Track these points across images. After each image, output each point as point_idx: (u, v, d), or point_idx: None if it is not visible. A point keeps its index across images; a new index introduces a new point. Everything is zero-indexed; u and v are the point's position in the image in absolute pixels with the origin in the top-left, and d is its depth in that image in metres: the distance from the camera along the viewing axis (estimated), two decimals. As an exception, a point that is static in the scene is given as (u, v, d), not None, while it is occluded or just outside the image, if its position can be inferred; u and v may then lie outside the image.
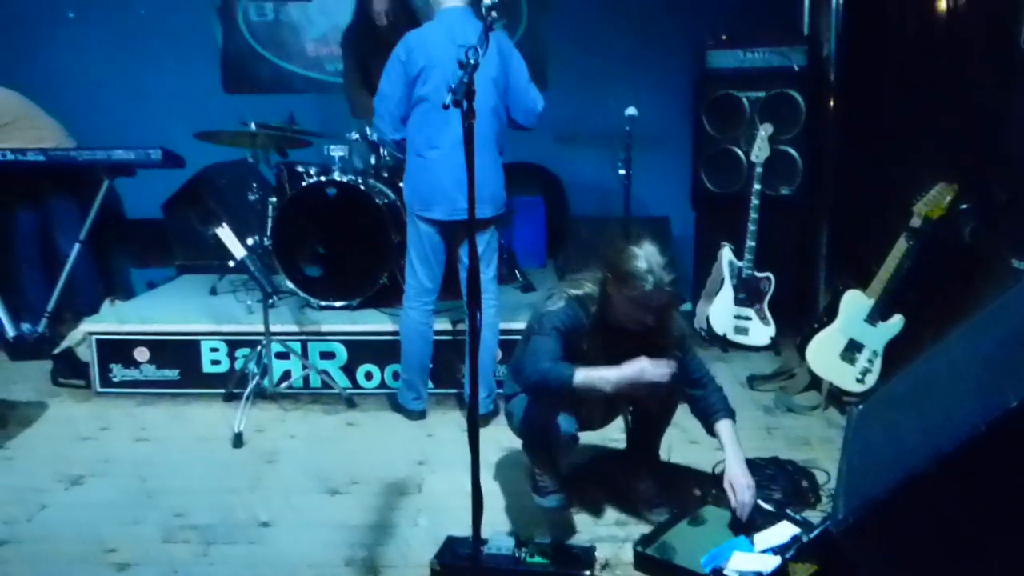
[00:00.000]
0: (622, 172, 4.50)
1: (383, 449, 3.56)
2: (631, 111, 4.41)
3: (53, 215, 5.11)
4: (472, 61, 2.04)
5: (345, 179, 4.32)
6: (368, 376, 4.18)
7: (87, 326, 4.27)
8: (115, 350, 4.20)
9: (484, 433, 2.82)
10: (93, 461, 3.43)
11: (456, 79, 2.03)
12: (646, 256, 2.52)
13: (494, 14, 2.24)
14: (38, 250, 5.05)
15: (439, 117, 3.41)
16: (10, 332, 4.82)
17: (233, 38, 5.90)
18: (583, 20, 5.70)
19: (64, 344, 4.42)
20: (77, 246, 4.91)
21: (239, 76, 5.94)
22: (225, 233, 3.81)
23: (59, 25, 5.81)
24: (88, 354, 4.26)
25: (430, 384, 3.94)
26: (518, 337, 3.01)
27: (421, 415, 3.86)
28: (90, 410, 4.05)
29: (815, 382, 3.92)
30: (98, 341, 4.20)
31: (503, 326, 3.84)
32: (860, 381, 3.68)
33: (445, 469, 3.30)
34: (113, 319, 4.35)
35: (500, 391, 3.64)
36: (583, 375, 2.53)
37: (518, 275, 4.95)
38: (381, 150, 4.55)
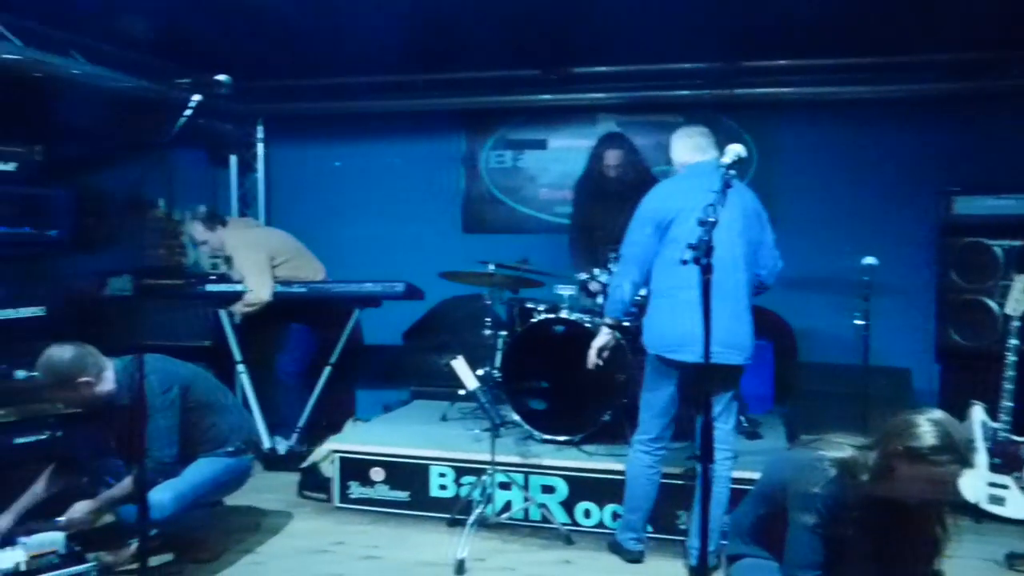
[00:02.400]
0: (859, 321, 4.34)
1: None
2: (870, 260, 4.29)
3: (304, 340, 5.66)
4: (712, 219, 2.11)
5: (573, 317, 4.48)
6: (587, 514, 4.18)
7: (332, 444, 4.63)
8: (355, 468, 4.51)
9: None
10: (328, 574, 3.66)
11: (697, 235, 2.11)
12: (944, 431, 2.35)
13: (732, 172, 2.33)
14: (294, 370, 5.57)
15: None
16: (266, 444, 5.32)
17: (474, 183, 6.44)
18: (814, 164, 5.70)
19: (310, 459, 4.81)
20: (328, 368, 5.41)
21: (477, 218, 6.43)
22: (459, 365, 4.05)
23: (325, 173, 6.62)
24: (331, 470, 4.60)
25: (648, 527, 3.88)
26: (743, 488, 2.91)
27: (639, 557, 3.79)
28: (329, 524, 4.33)
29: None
30: (341, 458, 4.53)
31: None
32: None
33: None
34: (355, 439, 4.70)
35: (723, 542, 3.52)
36: None
37: (743, 421, 4.81)
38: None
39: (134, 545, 3.68)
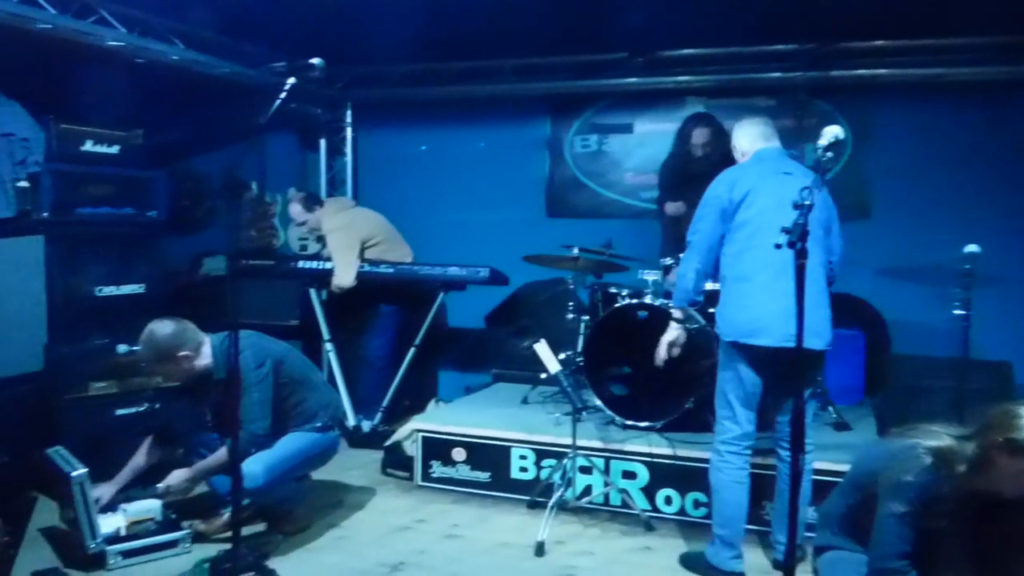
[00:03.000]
0: (958, 312, 4.16)
1: (680, 580, 3.49)
2: (972, 248, 4.10)
3: (393, 322, 5.75)
4: (807, 202, 2.06)
5: (657, 303, 4.44)
6: (668, 501, 4.15)
7: (415, 423, 4.71)
8: (437, 448, 4.57)
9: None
10: (411, 551, 3.73)
11: (786, 219, 2.05)
12: None
13: (829, 154, 2.25)
14: (383, 353, 5.68)
15: (763, 241, 3.34)
16: (351, 422, 5.44)
17: (559, 168, 6.41)
18: (911, 148, 5.48)
19: (394, 438, 4.90)
20: (413, 350, 5.49)
21: (561, 202, 6.41)
22: (542, 348, 4.04)
23: (412, 158, 6.70)
24: (413, 449, 4.68)
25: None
26: (830, 480, 2.83)
27: None
28: (411, 502, 4.41)
29: None
30: (424, 438, 4.60)
31: (815, 465, 3.64)
32: None
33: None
34: (437, 419, 4.76)
35: (809, 534, 3.44)
36: None
37: (832, 411, 4.68)
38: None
39: (226, 514, 3.83)
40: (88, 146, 4.60)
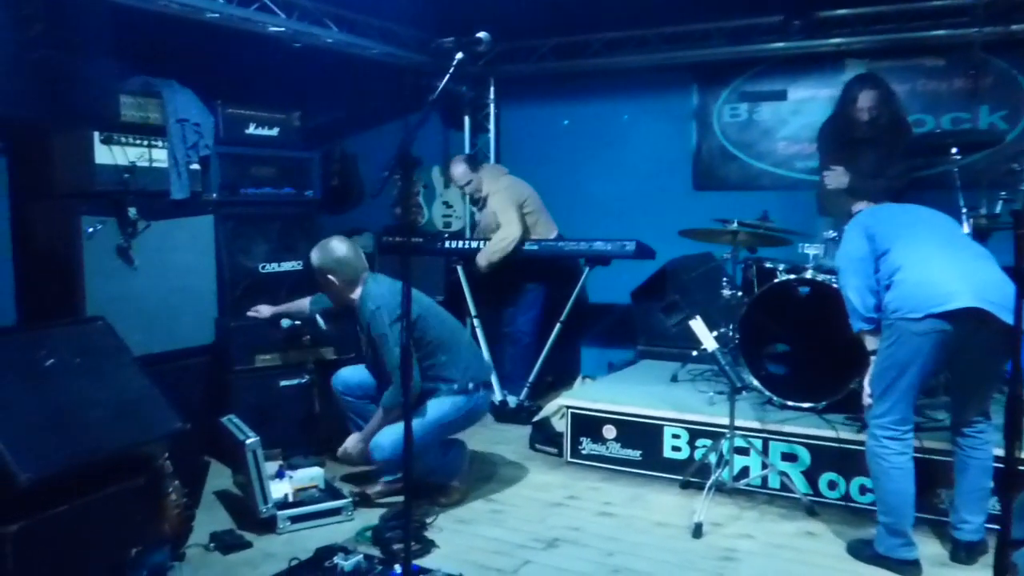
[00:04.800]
0: None
1: (849, 570, 3.32)
2: None
3: (539, 299, 5.76)
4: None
5: (819, 278, 4.23)
6: (831, 485, 3.97)
7: (564, 400, 4.70)
8: (586, 425, 4.55)
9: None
10: (565, 527, 3.73)
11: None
12: None
13: None
14: (529, 330, 5.70)
15: (908, 219, 3.26)
16: (497, 397, 5.50)
17: (706, 138, 6.21)
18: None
19: (542, 414, 4.92)
20: (558, 326, 5.48)
21: (709, 174, 6.21)
22: (698, 325, 3.92)
23: (554, 132, 6.65)
24: (562, 425, 4.67)
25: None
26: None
27: (915, 568, 3.24)
28: (561, 478, 4.41)
29: None
30: (573, 414, 4.58)
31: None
32: None
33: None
34: (587, 396, 4.72)
35: (991, 526, 3.23)
36: None
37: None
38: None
39: (385, 481, 3.96)
40: (251, 129, 4.81)
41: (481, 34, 2.42)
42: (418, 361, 3.77)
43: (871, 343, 3.38)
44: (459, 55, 2.40)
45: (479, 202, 5.74)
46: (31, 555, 2.42)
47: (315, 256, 3.96)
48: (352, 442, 3.96)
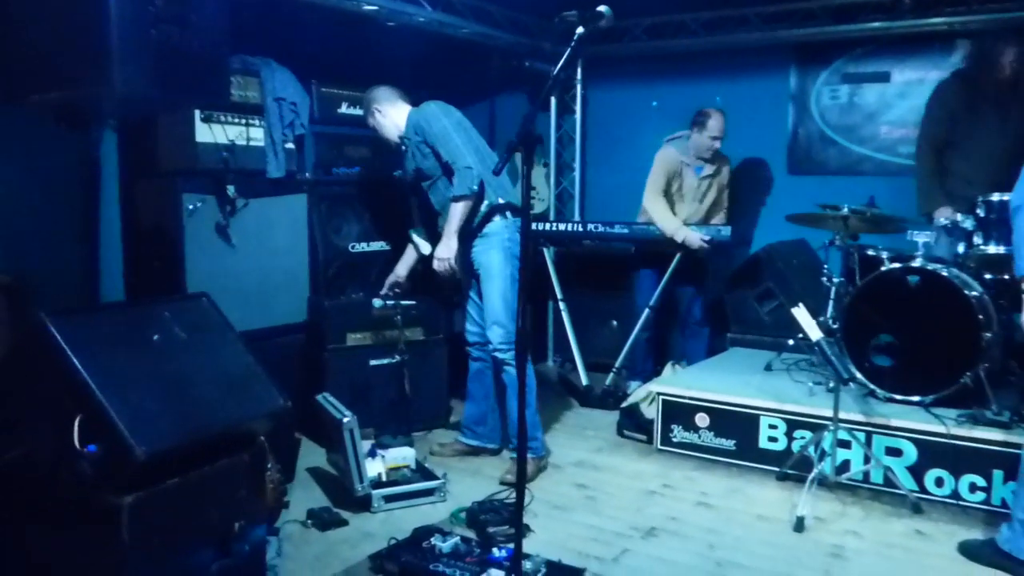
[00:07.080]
0: None
1: (964, 572, 3.18)
2: None
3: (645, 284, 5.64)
4: None
5: (930, 267, 4.04)
6: (939, 482, 3.80)
7: (655, 386, 4.60)
8: (678, 412, 4.45)
9: None
10: (663, 517, 3.66)
11: None
12: None
13: None
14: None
15: None
16: (584, 381, 5.43)
17: (803, 121, 6.00)
18: None
19: (631, 400, 4.83)
20: (647, 311, 5.38)
21: (805, 159, 6.00)
22: (801, 313, 3.79)
23: (642, 114, 6.52)
24: (651, 412, 4.59)
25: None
26: None
27: None
28: (653, 466, 4.32)
29: None
30: (664, 401, 4.49)
31: None
32: None
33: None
34: (678, 383, 4.62)
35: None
36: None
37: None
38: (973, 238, 4.18)
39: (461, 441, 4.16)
40: (344, 108, 4.82)
41: (602, 8, 2.35)
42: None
43: None
44: (580, 29, 2.33)
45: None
46: (143, 526, 2.44)
47: (364, 111, 4.30)
48: (441, 248, 4.03)
